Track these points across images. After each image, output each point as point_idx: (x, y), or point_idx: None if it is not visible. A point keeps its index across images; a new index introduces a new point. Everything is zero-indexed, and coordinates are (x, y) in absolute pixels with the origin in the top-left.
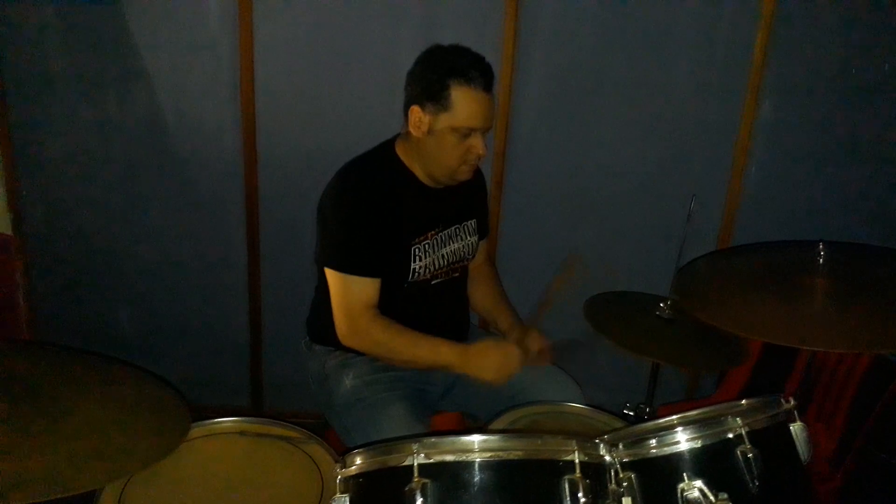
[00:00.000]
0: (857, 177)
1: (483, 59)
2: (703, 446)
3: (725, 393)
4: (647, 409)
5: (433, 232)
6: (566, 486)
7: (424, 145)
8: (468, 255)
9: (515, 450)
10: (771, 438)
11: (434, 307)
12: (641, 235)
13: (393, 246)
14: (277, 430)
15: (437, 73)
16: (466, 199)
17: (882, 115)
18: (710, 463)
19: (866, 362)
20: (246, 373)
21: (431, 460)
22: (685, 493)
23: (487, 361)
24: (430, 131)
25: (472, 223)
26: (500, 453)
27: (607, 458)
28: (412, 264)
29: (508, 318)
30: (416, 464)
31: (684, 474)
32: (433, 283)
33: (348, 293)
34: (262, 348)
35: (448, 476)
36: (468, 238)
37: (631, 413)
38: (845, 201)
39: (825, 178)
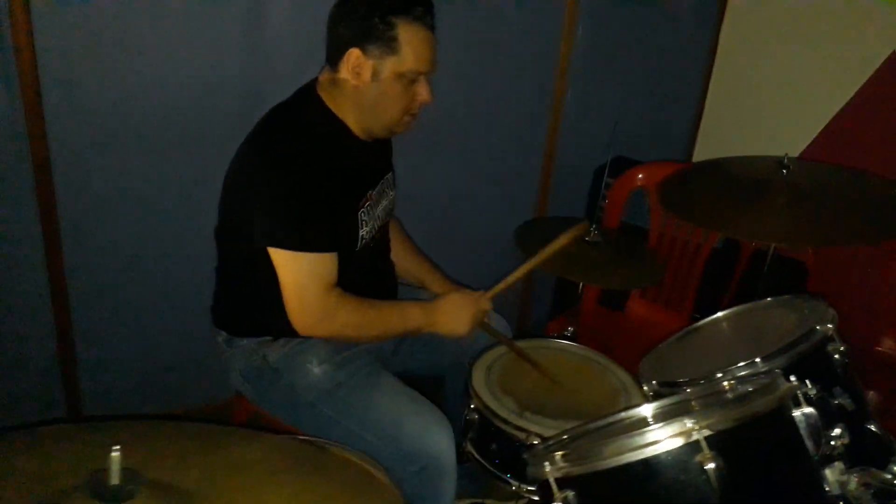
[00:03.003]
0: (657, 100)
1: None
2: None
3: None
4: (571, 330)
5: (371, 192)
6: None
7: (364, 94)
8: (392, 210)
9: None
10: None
11: (371, 273)
12: (488, 167)
13: (343, 214)
14: None
15: (379, 9)
16: (385, 149)
17: (682, 40)
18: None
19: (710, 248)
20: (58, 382)
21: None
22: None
23: (456, 315)
24: (373, 78)
25: (390, 175)
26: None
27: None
28: (360, 231)
29: (438, 278)
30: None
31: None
32: (371, 246)
33: (310, 274)
34: (76, 352)
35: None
36: (391, 192)
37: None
38: (641, 119)
39: (629, 99)
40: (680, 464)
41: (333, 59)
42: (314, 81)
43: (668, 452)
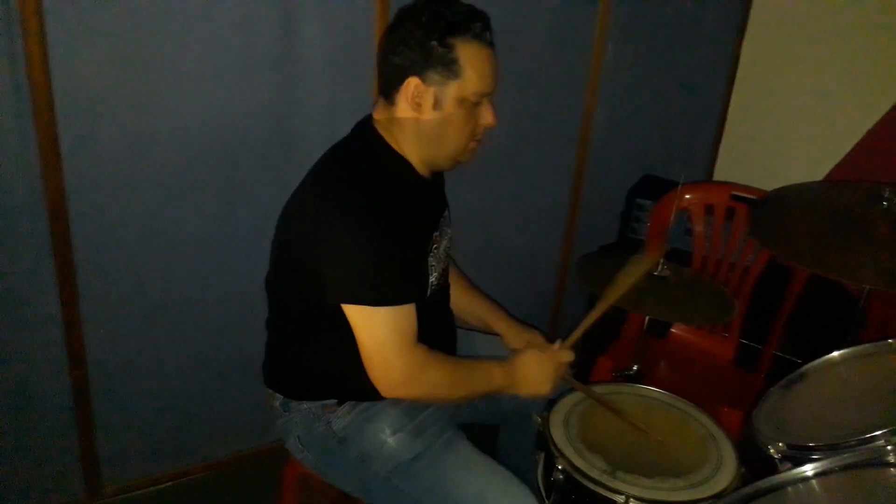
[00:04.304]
0: (679, 116)
1: (474, 8)
2: None
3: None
4: (635, 368)
5: (437, 234)
6: None
7: (427, 126)
8: (451, 250)
9: None
10: None
11: (436, 320)
12: (517, 189)
13: (417, 261)
14: None
15: (436, 31)
16: (440, 185)
17: (706, 55)
18: None
19: (758, 272)
20: (74, 451)
21: None
22: None
23: (537, 375)
24: (435, 106)
25: (447, 213)
26: None
27: None
28: (430, 277)
29: (501, 316)
30: None
31: None
32: (436, 292)
33: (392, 330)
34: (94, 416)
35: None
36: (449, 231)
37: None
38: (666, 137)
39: (653, 116)
40: None
41: (389, 91)
42: (369, 119)
43: None
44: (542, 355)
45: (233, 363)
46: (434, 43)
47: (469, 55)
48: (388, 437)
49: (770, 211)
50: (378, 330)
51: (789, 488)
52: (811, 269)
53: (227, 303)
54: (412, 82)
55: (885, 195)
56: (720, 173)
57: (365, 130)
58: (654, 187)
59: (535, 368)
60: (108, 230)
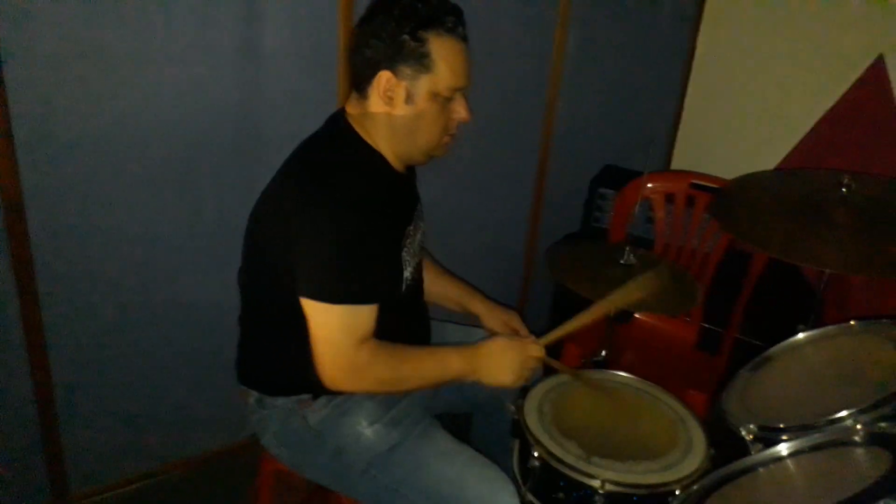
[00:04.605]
0: (638, 107)
1: (448, 1)
2: None
3: None
4: (603, 354)
5: (411, 228)
6: None
7: (400, 120)
8: (424, 242)
9: None
10: None
11: (409, 314)
12: (482, 180)
13: (389, 258)
14: None
15: (408, 25)
16: (413, 178)
17: (663, 47)
18: None
19: (718, 257)
20: (38, 455)
21: None
22: None
23: (501, 362)
24: (407, 101)
25: (419, 206)
26: None
27: None
28: (404, 272)
29: (477, 298)
30: None
31: None
32: (411, 286)
33: (344, 328)
34: (58, 418)
35: None
36: (422, 224)
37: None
38: (626, 127)
39: (613, 107)
40: None
41: (361, 84)
42: (342, 112)
43: None
44: (509, 342)
45: (204, 359)
46: (406, 36)
47: (442, 49)
48: (365, 428)
49: (733, 198)
50: (330, 327)
51: (761, 469)
52: (774, 255)
53: (197, 299)
54: (384, 76)
55: (844, 182)
56: (677, 162)
57: (338, 125)
58: (615, 177)
59: (499, 356)
60: (68, 226)
